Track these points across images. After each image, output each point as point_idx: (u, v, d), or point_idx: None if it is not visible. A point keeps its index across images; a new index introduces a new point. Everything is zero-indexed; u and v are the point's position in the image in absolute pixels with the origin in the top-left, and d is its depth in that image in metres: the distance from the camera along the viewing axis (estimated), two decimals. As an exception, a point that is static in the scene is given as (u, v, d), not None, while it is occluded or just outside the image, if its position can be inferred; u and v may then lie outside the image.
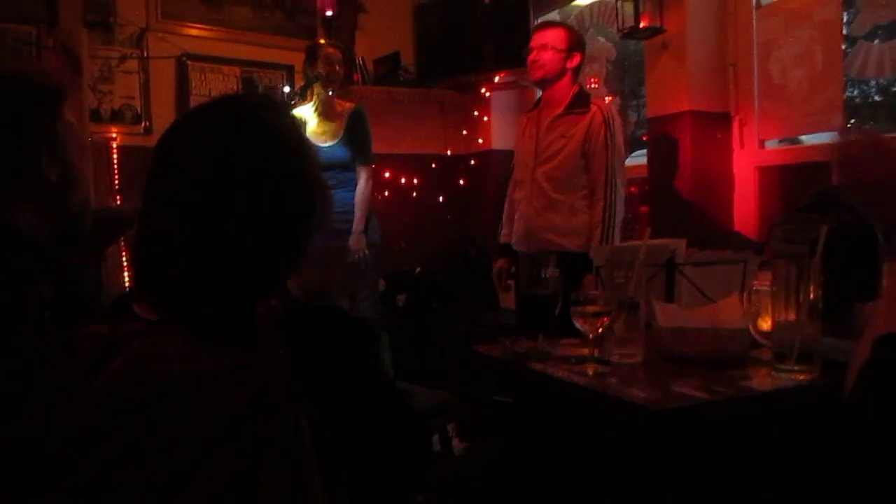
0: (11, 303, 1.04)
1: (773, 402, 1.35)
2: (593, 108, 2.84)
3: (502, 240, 3.31)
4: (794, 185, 3.37)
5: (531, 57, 2.96)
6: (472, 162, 4.95)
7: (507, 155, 4.79)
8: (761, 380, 1.44)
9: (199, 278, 0.90)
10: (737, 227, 3.52)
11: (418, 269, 4.62)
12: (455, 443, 3.25)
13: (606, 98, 4.36)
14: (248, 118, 0.95)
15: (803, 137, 3.46)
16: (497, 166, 4.84)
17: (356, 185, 3.63)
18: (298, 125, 1.05)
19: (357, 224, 3.58)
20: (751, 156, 3.51)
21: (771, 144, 3.52)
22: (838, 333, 2.01)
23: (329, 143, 3.60)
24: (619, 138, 2.84)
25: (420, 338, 4.40)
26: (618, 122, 2.86)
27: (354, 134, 3.62)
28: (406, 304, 4.49)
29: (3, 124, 1.23)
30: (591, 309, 1.50)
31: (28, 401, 0.86)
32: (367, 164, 3.66)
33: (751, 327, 1.52)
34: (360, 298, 3.67)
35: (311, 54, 3.59)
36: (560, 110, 2.93)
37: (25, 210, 1.26)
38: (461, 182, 4.90)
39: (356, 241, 3.57)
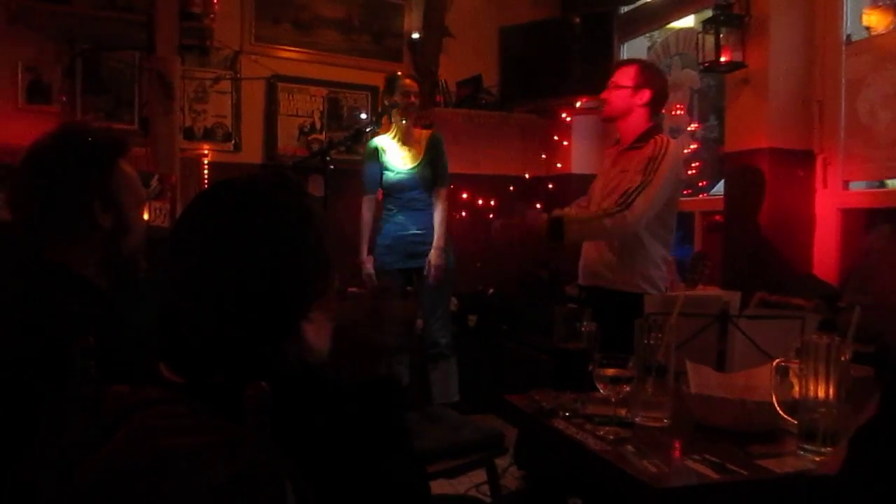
0: (55, 351, 1.16)
1: (789, 487, 1.32)
2: (651, 142, 2.75)
3: None
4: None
5: (602, 95, 2.97)
6: (550, 185, 4.95)
7: (586, 179, 4.78)
8: (783, 459, 1.41)
9: (205, 348, 0.98)
10: (815, 270, 3.40)
11: (491, 291, 4.67)
12: (512, 471, 3.28)
13: (692, 126, 4.30)
14: (254, 200, 1.02)
15: (890, 181, 3.31)
16: (575, 190, 4.81)
17: (433, 207, 3.81)
18: (308, 201, 1.10)
19: (438, 241, 3.75)
20: (834, 197, 3.39)
21: (856, 186, 3.39)
22: None
23: (409, 168, 3.80)
24: (664, 172, 2.64)
25: (489, 359, 4.44)
26: (669, 159, 2.68)
27: (433, 159, 3.80)
28: (477, 324, 4.55)
29: (61, 178, 1.37)
30: (610, 373, 1.51)
31: (49, 454, 0.96)
32: (445, 186, 3.85)
33: (775, 403, 1.49)
34: (433, 318, 3.79)
35: (390, 85, 3.77)
36: (625, 146, 2.92)
37: (81, 254, 1.40)
38: (538, 205, 4.90)
39: (437, 257, 3.72)
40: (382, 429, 1.08)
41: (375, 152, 3.85)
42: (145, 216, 1.64)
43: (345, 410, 1.02)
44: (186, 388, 0.97)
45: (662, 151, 2.69)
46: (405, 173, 3.80)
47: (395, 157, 3.82)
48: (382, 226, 3.88)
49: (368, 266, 3.83)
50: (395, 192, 3.84)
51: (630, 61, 3.04)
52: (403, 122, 3.74)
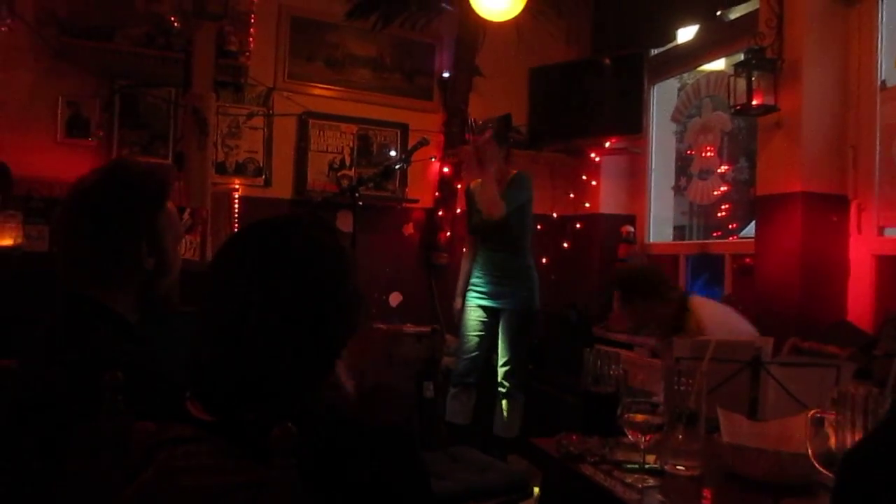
0: (84, 385, 1.16)
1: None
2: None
3: None
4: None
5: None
6: (578, 225, 4.94)
7: (614, 219, 4.78)
8: (818, 515, 1.37)
9: (238, 388, 0.98)
10: (850, 317, 3.33)
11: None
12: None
13: (722, 167, 4.28)
14: (290, 241, 1.03)
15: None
16: (603, 230, 4.81)
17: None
18: (340, 241, 1.11)
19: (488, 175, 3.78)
20: (869, 242, 3.33)
21: (891, 233, 3.33)
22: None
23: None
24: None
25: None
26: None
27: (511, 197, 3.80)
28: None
29: (111, 222, 1.38)
30: (639, 419, 1.49)
31: (77, 489, 0.96)
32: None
33: (811, 455, 1.45)
34: (507, 359, 3.82)
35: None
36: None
37: (118, 291, 1.41)
38: (565, 245, 4.90)
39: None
40: (405, 473, 1.07)
41: (469, 195, 4.00)
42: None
43: (369, 454, 1.01)
44: (214, 427, 0.97)
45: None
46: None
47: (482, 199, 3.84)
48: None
49: (458, 303, 4.00)
50: (483, 235, 3.92)
51: None
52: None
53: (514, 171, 3.89)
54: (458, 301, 4.00)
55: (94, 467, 1.01)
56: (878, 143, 3.30)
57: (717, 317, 2.83)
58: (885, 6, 3.32)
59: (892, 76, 3.29)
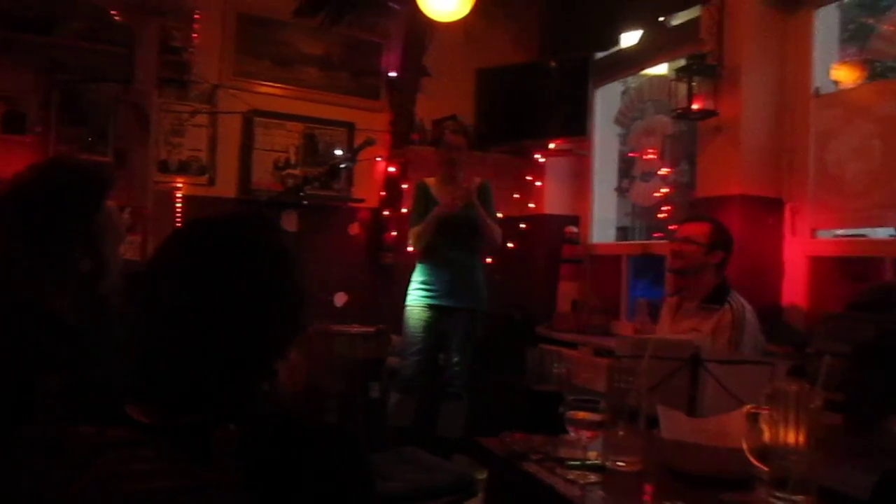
0: (19, 389, 1.13)
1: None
2: (727, 306, 2.76)
3: None
4: (846, 278, 3.29)
5: (675, 247, 2.94)
6: (523, 225, 4.99)
7: (558, 220, 4.84)
8: (754, 507, 1.42)
9: (180, 390, 0.97)
10: (784, 317, 3.44)
11: (462, 330, 4.65)
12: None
13: (663, 170, 4.37)
14: (231, 240, 1.01)
15: (859, 231, 3.38)
16: (547, 231, 4.87)
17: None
18: (283, 240, 1.09)
19: (474, 203, 3.78)
20: (802, 244, 3.45)
21: (824, 235, 3.45)
22: (863, 452, 1.96)
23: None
24: (749, 339, 2.72)
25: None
26: (751, 323, 2.74)
27: (483, 203, 3.85)
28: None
29: (45, 221, 1.35)
30: (581, 416, 1.51)
31: (10, 497, 0.93)
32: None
33: (746, 450, 1.49)
34: (456, 359, 3.83)
35: (436, 138, 3.93)
36: (696, 303, 2.88)
37: (59, 296, 1.38)
38: (511, 245, 4.93)
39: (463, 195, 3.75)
40: (350, 474, 1.07)
41: (424, 189, 3.92)
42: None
43: (313, 455, 1.00)
44: (154, 430, 0.95)
45: (742, 321, 2.71)
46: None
47: (443, 195, 3.84)
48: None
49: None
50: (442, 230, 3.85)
51: (703, 218, 2.99)
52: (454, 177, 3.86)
53: (480, 180, 3.93)
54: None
55: (29, 474, 0.98)
56: (811, 148, 3.42)
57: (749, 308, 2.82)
58: (820, 16, 3.44)
59: (826, 85, 3.41)
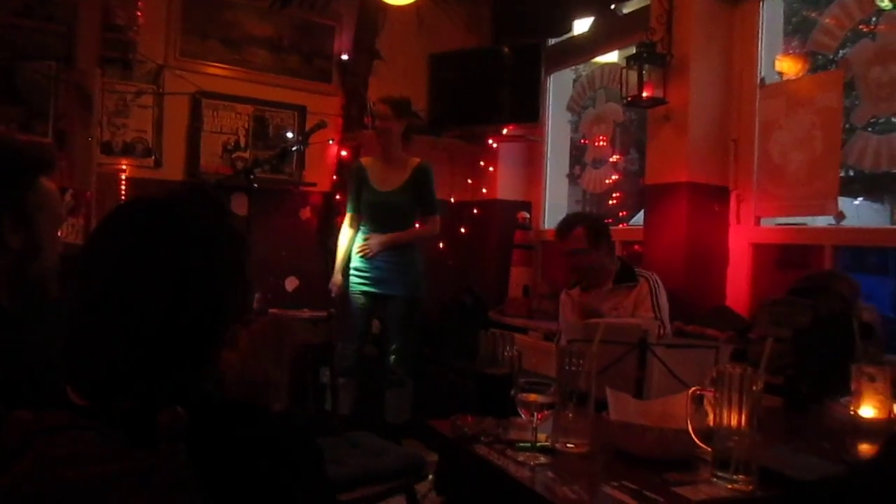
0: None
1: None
2: (641, 279, 3.02)
3: None
4: (787, 265, 3.38)
5: (569, 264, 3.16)
6: (475, 210, 5.00)
7: (511, 206, 4.86)
8: (698, 487, 1.45)
9: (116, 373, 0.94)
10: (728, 302, 3.52)
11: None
12: (432, 497, 3.25)
13: (614, 157, 4.43)
14: (169, 218, 0.99)
15: (801, 219, 3.47)
16: (499, 216, 4.89)
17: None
18: (226, 220, 1.07)
19: (391, 238, 3.76)
20: (746, 232, 3.53)
21: (767, 223, 3.53)
22: (803, 431, 2.02)
23: (389, 190, 3.79)
24: (663, 299, 3.01)
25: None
26: (662, 287, 3.03)
27: (418, 186, 3.80)
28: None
29: None
30: (531, 398, 1.53)
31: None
32: (433, 214, 3.88)
33: (691, 431, 1.53)
34: (395, 347, 3.82)
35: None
36: (607, 286, 3.06)
37: None
38: (463, 230, 4.95)
39: (375, 245, 3.75)
40: (299, 457, 1.05)
41: (360, 170, 3.86)
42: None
43: (261, 439, 0.99)
44: (94, 414, 0.93)
45: (657, 287, 3.01)
46: (384, 195, 3.79)
47: (376, 177, 3.81)
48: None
49: (338, 279, 3.90)
50: (373, 214, 3.83)
51: (573, 225, 3.10)
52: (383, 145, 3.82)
53: (418, 161, 3.88)
54: (338, 277, 3.90)
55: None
56: (756, 138, 3.49)
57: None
58: (766, 8, 3.51)
59: (771, 75, 3.48)
